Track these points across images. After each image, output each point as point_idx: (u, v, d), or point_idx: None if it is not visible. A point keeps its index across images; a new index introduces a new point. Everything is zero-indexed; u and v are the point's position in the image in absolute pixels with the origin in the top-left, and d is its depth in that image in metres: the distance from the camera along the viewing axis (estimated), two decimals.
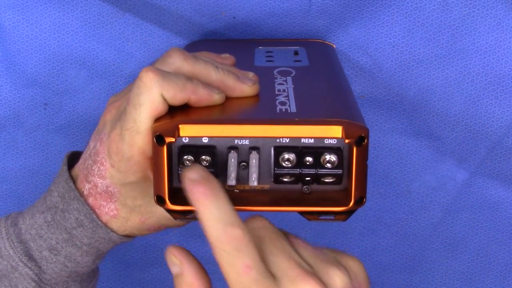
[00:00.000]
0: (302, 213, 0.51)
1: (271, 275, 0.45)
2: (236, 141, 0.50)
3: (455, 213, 0.79)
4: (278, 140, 0.50)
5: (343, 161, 0.50)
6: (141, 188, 0.56)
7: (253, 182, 0.50)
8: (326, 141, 0.50)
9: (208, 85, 0.53)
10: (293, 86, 0.57)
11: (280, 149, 0.50)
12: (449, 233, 0.80)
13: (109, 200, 0.57)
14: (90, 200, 0.58)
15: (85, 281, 0.63)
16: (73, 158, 0.61)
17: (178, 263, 0.47)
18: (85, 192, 0.58)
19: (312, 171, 0.50)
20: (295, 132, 0.50)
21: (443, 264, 0.81)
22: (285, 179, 0.51)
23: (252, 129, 0.50)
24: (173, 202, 0.51)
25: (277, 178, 0.51)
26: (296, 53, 0.67)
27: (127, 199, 0.57)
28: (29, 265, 0.59)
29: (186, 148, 0.50)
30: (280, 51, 0.67)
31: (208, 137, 0.50)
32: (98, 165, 0.56)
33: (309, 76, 0.60)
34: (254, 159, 0.50)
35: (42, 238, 0.59)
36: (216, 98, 0.53)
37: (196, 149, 0.50)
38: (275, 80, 0.58)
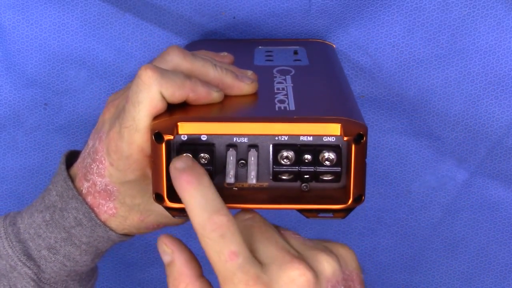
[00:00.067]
0: (300, 211, 0.51)
1: (259, 262, 0.45)
2: (234, 139, 0.50)
3: (455, 213, 0.79)
4: (276, 138, 0.50)
5: (341, 159, 0.50)
6: (140, 187, 0.56)
7: (252, 180, 0.49)
8: (324, 138, 0.50)
9: (206, 83, 0.53)
10: (292, 84, 0.56)
11: (278, 147, 0.50)
12: (449, 233, 0.80)
13: (108, 198, 0.57)
14: (89, 199, 0.57)
15: (84, 280, 0.62)
16: (72, 157, 0.61)
17: (170, 252, 0.47)
18: (84, 191, 0.58)
19: (311, 169, 0.50)
20: (294, 130, 0.50)
21: (443, 264, 0.81)
22: (283, 177, 0.51)
23: (250, 126, 0.50)
24: (171, 199, 0.50)
25: (275, 176, 0.51)
26: (295, 52, 0.67)
27: (126, 198, 0.57)
28: (28, 264, 0.59)
29: (185, 146, 0.50)
30: (280, 51, 0.67)
31: (206, 134, 0.50)
32: (97, 163, 0.56)
33: (309, 75, 0.60)
34: (252, 157, 0.50)
35: (41, 237, 0.59)
36: (215, 96, 0.53)
37: (194, 147, 0.50)
38: (274, 79, 0.58)
